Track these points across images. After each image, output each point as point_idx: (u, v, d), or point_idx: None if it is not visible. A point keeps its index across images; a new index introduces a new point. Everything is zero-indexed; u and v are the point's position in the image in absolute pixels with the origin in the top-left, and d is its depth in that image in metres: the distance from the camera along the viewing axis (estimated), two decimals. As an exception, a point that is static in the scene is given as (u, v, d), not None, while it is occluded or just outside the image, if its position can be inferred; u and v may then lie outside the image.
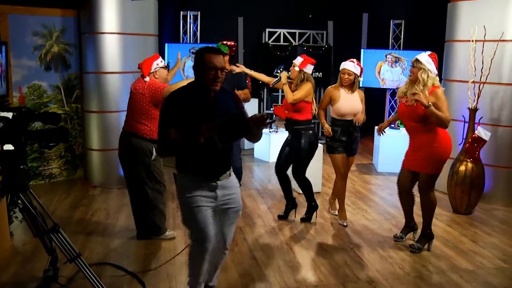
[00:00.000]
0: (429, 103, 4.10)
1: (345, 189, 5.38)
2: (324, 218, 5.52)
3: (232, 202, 3.25)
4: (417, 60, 4.32)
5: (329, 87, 5.27)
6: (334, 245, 4.75)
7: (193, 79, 3.16)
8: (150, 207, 4.65)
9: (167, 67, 4.82)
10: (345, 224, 5.27)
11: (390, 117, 5.49)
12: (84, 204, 5.87)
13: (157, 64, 4.61)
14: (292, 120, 5.17)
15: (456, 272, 4.15)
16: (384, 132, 5.00)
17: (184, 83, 3.76)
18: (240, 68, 5.41)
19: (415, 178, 4.59)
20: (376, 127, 5.29)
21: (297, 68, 5.13)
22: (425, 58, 4.30)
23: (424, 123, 4.29)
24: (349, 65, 5.09)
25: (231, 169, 3.28)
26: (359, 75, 5.13)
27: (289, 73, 5.23)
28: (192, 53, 8.50)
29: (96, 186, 6.56)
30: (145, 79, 4.52)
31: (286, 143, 5.34)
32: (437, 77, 4.35)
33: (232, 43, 5.45)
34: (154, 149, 4.51)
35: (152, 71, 4.57)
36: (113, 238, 4.81)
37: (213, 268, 3.45)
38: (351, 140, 5.15)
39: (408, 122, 4.47)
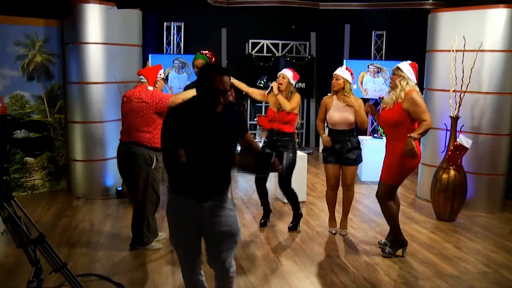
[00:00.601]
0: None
1: (335, 200, 5.38)
2: (309, 226, 5.54)
3: (224, 225, 2.91)
4: (398, 68, 4.40)
5: (324, 97, 5.33)
6: (320, 253, 4.77)
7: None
8: (141, 216, 4.61)
9: (165, 79, 4.86)
10: (343, 233, 5.30)
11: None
12: (67, 215, 5.79)
13: (160, 75, 4.67)
14: (281, 132, 5.20)
15: (441, 278, 4.20)
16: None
17: (189, 94, 3.74)
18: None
19: None
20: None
21: (292, 81, 5.24)
22: (406, 66, 4.38)
23: (398, 128, 4.32)
24: (338, 70, 5.13)
25: (229, 190, 2.99)
26: (348, 80, 5.08)
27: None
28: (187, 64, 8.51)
29: (79, 197, 6.49)
30: (149, 88, 4.53)
31: None
32: (416, 87, 4.39)
33: (207, 52, 5.45)
34: (155, 157, 4.48)
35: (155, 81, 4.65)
36: (98, 249, 4.76)
37: None
38: (344, 150, 5.06)
39: (385, 128, 4.55)
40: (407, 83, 4.32)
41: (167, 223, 3.05)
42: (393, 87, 4.44)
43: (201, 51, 5.41)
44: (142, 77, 4.61)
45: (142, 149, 4.44)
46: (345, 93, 5.05)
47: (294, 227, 5.42)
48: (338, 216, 5.45)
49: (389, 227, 4.71)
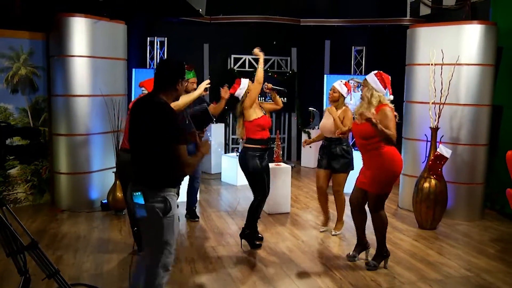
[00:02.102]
0: (375, 120, 4.16)
1: (325, 202, 5.72)
2: (295, 236, 5.61)
3: None
4: (365, 80, 4.51)
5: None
6: (307, 260, 4.83)
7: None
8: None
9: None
10: (333, 233, 5.64)
11: (315, 136, 5.94)
12: (52, 227, 5.75)
13: None
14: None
15: (425, 282, 4.30)
16: (310, 146, 5.24)
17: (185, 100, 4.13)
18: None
19: (366, 195, 4.62)
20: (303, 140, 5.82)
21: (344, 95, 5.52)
22: (371, 77, 4.46)
23: (370, 140, 4.38)
24: (336, 83, 5.50)
25: None
26: (343, 94, 5.44)
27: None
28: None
29: (64, 210, 6.44)
30: None
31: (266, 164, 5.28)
32: (385, 96, 4.46)
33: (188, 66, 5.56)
34: None
35: None
36: (85, 260, 4.74)
37: None
38: (330, 157, 5.44)
39: (358, 140, 4.57)
40: (371, 95, 4.40)
41: (170, 226, 3.06)
42: (362, 98, 4.56)
43: (187, 67, 5.47)
44: (143, 88, 4.79)
45: None
46: (337, 105, 5.47)
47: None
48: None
49: (376, 238, 4.66)
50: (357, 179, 4.69)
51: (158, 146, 3.02)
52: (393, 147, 4.37)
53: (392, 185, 4.50)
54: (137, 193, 3.04)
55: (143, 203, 3.02)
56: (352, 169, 5.49)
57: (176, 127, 3.00)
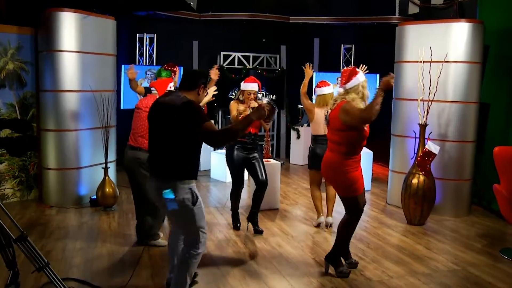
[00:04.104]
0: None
1: (320, 196, 5.83)
2: (284, 232, 5.63)
3: None
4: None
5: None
6: (296, 255, 4.86)
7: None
8: (152, 212, 4.77)
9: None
10: (328, 220, 5.80)
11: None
12: (41, 223, 5.72)
13: (170, 87, 4.87)
14: (257, 135, 5.59)
15: (414, 276, 4.35)
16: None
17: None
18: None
19: None
20: None
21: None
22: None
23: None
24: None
25: None
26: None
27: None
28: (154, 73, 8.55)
29: (52, 206, 6.40)
30: None
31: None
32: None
33: (170, 65, 5.60)
34: None
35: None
36: (75, 255, 4.72)
37: None
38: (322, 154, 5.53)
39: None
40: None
41: (200, 213, 3.43)
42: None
43: (164, 67, 5.49)
44: (153, 88, 5.03)
45: (146, 154, 4.54)
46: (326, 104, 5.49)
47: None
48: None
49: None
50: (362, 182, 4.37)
51: (185, 141, 3.28)
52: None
53: (357, 185, 4.30)
54: (166, 190, 3.28)
55: (174, 197, 3.28)
56: None
57: (201, 115, 3.27)
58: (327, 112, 4.34)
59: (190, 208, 3.32)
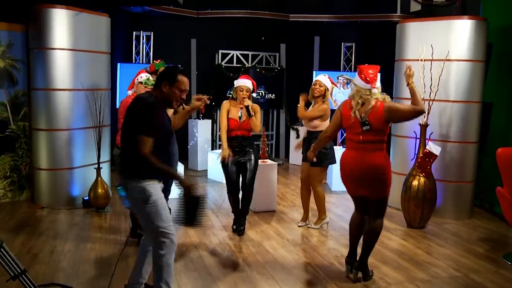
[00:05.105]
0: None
1: (307, 196, 5.73)
2: (280, 235, 5.47)
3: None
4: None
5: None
6: (291, 260, 4.70)
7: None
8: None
9: (144, 82, 5.02)
10: (313, 225, 5.69)
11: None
12: (30, 225, 5.57)
13: (140, 78, 4.89)
14: (246, 137, 5.40)
15: (413, 283, 4.18)
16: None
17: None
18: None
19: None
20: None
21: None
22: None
23: None
24: (320, 77, 5.46)
25: None
26: (328, 88, 5.44)
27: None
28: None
29: (44, 207, 6.26)
30: (128, 92, 5.14)
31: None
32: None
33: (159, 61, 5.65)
34: None
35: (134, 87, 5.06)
36: (62, 259, 4.57)
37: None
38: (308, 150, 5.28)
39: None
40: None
41: (156, 212, 3.26)
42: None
43: (155, 61, 5.58)
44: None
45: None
46: (323, 100, 5.46)
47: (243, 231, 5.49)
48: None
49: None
50: None
51: (131, 137, 3.16)
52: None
53: (345, 185, 4.22)
54: (119, 187, 3.28)
55: (125, 195, 3.27)
56: (326, 164, 5.52)
57: (144, 119, 3.11)
58: (359, 115, 3.96)
59: (142, 206, 3.23)
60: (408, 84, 4.12)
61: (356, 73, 4.06)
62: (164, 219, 3.28)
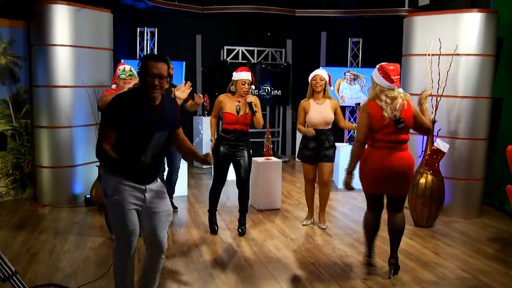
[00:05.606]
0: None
1: (313, 194, 5.63)
2: (284, 234, 5.37)
3: (162, 205, 3.18)
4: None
5: (301, 101, 5.45)
6: (294, 260, 4.59)
7: None
8: None
9: (129, 75, 4.82)
10: (323, 227, 5.53)
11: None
12: (31, 223, 5.52)
13: (119, 71, 4.78)
14: (243, 132, 5.22)
15: (419, 284, 4.06)
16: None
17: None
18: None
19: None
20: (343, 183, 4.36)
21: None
22: (374, 72, 4.04)
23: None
24: (320, 71, 5.37)
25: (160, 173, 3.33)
26: (328, 82, 5.39)
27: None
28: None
29: (46, 205, 6.21)
30: (112, 86, 4.91)
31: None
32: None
33: None
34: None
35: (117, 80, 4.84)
36: (61, 258, 4.51)
37: (153, 275, 3.32)
38: (322, 147, 5.33)
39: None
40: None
41: (112, 210, 3.08)
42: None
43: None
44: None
45: None
46: (324, 94, 5.37)
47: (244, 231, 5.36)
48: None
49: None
50: None
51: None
52: (368, 147, 4.08)
53: (366, 185, 4.12)
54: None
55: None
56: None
57: (106, 110, 3.02)
58: (392, 114, 3.88)
59: (104, 198, 3.10)
60: (421, 105, 4.21)
61: (377, 72, 3.96)
62: (118, 222, 3.06)
